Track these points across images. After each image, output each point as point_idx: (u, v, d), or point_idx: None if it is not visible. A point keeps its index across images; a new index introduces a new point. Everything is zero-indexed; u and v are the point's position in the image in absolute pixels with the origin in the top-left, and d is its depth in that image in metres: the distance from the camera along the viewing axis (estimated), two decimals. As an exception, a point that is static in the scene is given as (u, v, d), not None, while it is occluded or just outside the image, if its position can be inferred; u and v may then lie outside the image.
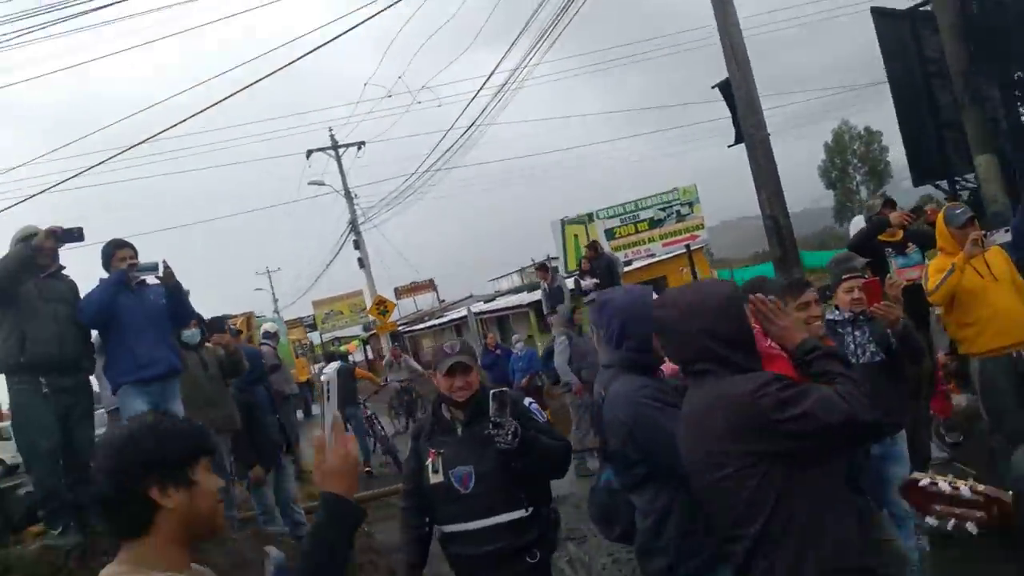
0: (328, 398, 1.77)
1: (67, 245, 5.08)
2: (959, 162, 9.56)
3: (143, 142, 14.43)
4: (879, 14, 9.38)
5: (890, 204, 6.28)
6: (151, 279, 5.31)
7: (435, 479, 3.14)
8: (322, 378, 2.32)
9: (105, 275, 5.18)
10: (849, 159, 60.22)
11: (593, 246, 13.35)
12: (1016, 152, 7.98)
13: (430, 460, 3.15)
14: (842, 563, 1.94)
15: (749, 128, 9.46)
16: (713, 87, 9.87)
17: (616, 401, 2.76)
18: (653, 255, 20.83)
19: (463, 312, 26.33)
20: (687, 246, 20.19)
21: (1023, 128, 8.24)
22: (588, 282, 12.66)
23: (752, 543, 1.96)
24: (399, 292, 39.19)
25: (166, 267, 5.15)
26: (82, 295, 5.17)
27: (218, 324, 5.79)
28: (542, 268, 13.98)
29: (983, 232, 4.71)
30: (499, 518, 3.08)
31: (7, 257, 4.84)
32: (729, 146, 9.92)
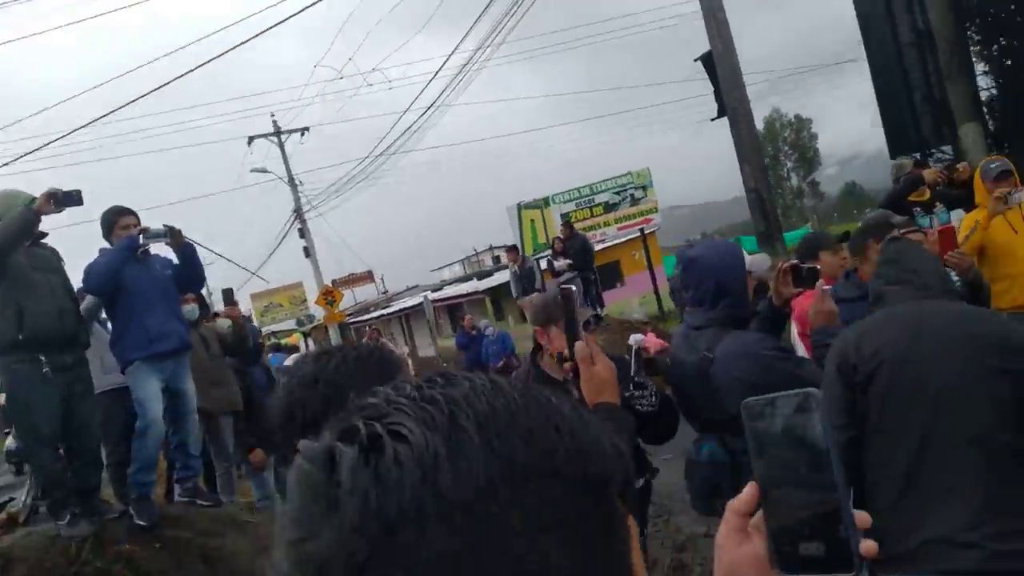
0: (578, 321, 1.74)
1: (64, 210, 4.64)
2: (932, 136, 9.83)
3: (80, 128, 13.74)
4: (857, -12, 9.55)
5: (920, 165, 6.35)
6: (153, 249, 4.94)
7: None
8: (563, 286, 2.21)
9: (106, 245, 4.79)
10: (780, 146, 61.99)
11: (568, 226, 13.27)
12: (998, 121, 8.20)
13: None
14: None
15: (732, 102, 9.52)
16: (696, 60, 9.89)
17: (733, 360, 2.61)
18: (605, 238, 20.86)
19: (412, 301, 25.95)
20: (641, 229, 20.29)
21: (1005, 99, 8.49)
22: (561, 263, 12.57)
23: None
24: (336, 284, 38.42)
25: (175, 229, 4.78)
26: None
27: (229, 297, 5.41)
28: (512, 251, 13.82)
29: (1008, 189, 4.72)
30: None
31: (7, 223, 4.31)
32: (712, 119, 9.99)
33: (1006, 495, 1.99)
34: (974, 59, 8.73)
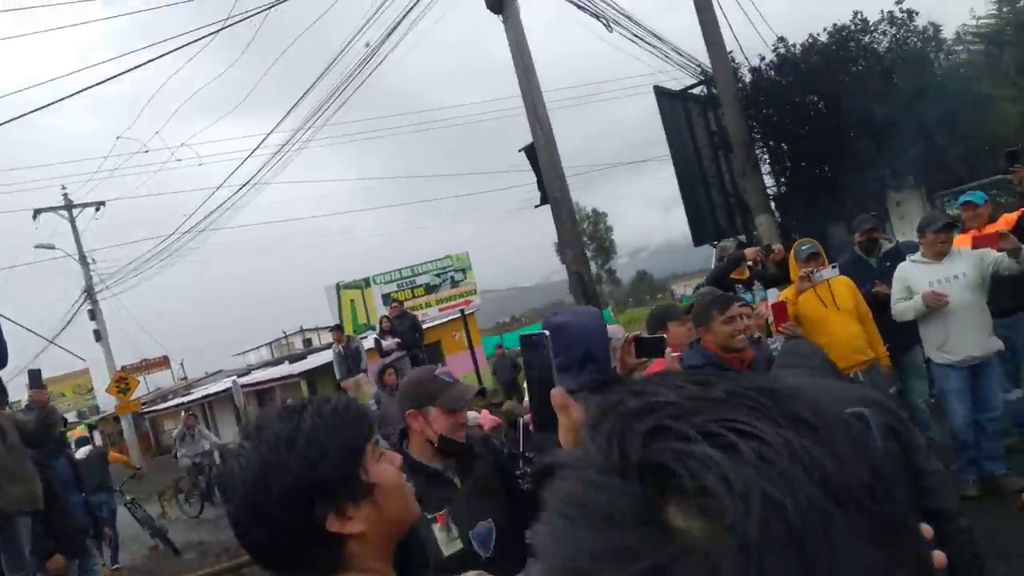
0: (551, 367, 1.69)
1: None
2: (727, 225, 10.99)
3: None
4: (660, 93, 10.59)
5: (742, 246, 7.03)
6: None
7: (452, 548, 2.46)
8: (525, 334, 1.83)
9: None
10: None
11: (399, 304, 13.18)
12: (784, 213, 9.36)
13: (438, 524, 2.46)
14: None
15: (554, 191, 10.08)
16: (520, 151, 10.44)
17: None
18: (427, 319, 20.98)
19: (217, 387, 24.35)
20: (462, 311, 20.62)
21: (789, 194, 9.71)
22: (390, 342, 12.40)
23: None
24: (127, 370, 35.20)
25: None
26: None
27: (36, 379, 4.81)
28: (337, 330, 13.46)
29: (811, 268, 5.37)
30: None
31: None
32: (536, 206, 10.49)
33: None
34: (761, 161, 10.00)
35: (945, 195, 8.86)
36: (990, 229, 5.55)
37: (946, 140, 8.76)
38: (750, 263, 6.15)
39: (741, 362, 3.76)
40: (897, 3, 9.67)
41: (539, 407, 1.65)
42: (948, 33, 10.70)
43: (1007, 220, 5.73)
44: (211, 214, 19.06)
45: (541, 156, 10.08)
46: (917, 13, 9.59)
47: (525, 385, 1.86)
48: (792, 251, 5.62)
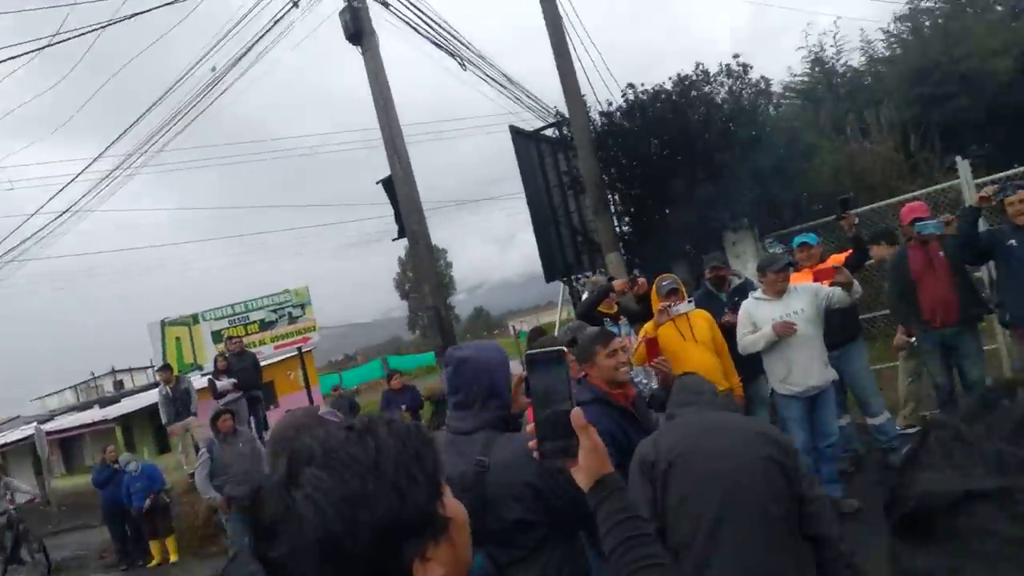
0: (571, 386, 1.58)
1: None
2: (575, 263, 11.31)
3: None
4: (515, 133, 10.78)
5: (611, 280, 7.19)
6: None
7: None
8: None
9: None
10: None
11: (238, 341, 12.38)
12: (632, 252, 9.76)
13: None
14: None
15: (412, 225, 9.95)
16: (377, 183, 10.23)
17: (515, 466, 2.47)
18: (261, 357, 19.84)
19: (17, 435, 21.80)
20: (299, 348, 19.80)
21: (633, 234, 10.15)
22: (225, 382, 11.60)
23: None
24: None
25: None
26: None
27: None
28: (165, 370, 12.45)
29: (668, 303, 5.59)
30: None
31: None
32: (393, 239, 10.31)
33: (786, 566, 2.32)
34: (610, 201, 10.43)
35: (772, 237, 9.63)
36: (822, 267, 6.06)
37: (777, 186, 9.54)
38: (617, 296, 6.31)
39: (625, 397, 3.80)
40: (734, 56, 10.52)
41: (554, 429, 1.50)
42: (777, 87, 11.75)
43: (836, 260, 6.26)
44: (23, 243, 17.04)
45: (399, 189, 9.94)
46: (751, 67, 10.46)
47: (530, 408, 1.69)
48: (654, 286, 5.83)
